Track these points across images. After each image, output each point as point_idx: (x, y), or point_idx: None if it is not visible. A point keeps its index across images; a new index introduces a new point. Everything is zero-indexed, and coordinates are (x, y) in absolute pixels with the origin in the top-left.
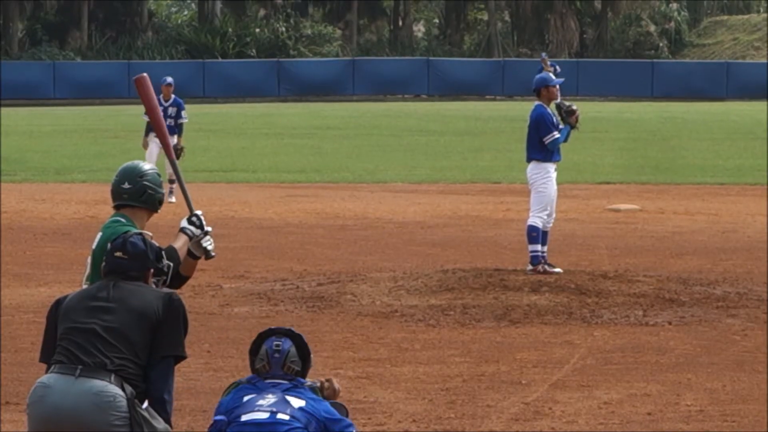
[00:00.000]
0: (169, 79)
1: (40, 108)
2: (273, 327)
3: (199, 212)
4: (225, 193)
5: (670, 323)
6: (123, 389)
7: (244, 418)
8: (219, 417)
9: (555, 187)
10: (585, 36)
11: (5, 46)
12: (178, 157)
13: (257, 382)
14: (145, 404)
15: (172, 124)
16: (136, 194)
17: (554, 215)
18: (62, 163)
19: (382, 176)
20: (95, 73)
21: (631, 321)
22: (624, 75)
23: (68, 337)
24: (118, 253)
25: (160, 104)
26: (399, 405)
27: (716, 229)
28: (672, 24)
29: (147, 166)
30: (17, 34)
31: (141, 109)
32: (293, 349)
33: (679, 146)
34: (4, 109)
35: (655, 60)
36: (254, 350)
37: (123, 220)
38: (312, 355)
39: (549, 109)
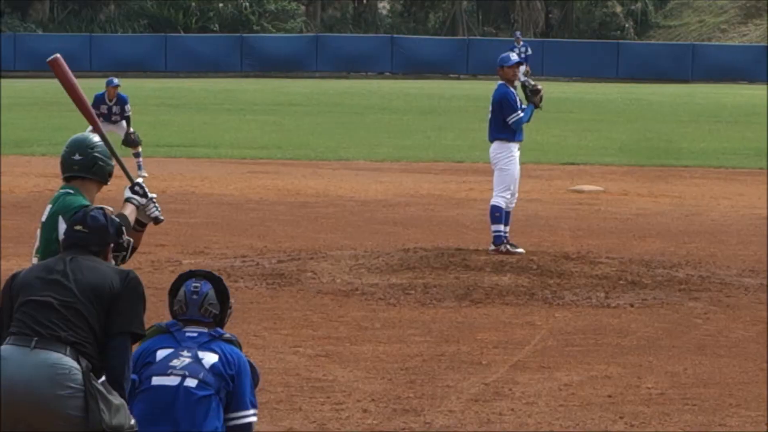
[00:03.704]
0: (116, 81)
1: (1, 80)
2: (193, 269)
3: (139, 180)
4: (186, 168)
5: (632, 305)
6: (78, 362)
7: (155, 381)
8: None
9: (518, 167)
10: (551, 16)
11: None
12: (137, 144)
13: (176, 331)
14: (102, 378)
15: (118, 120)
16: (86, 166)
17: (517, 195)
18: (21, 136)
19: (345, 154)
20: (57, 46)
21: (593, 303)
22: (589, 56)
23: (24, 310)
24: (78, 227)
25: (105, 103)
26: (358, 384)
27: (680, 211)
28: (638, 5)
29: (96, 138)
30: None
31: (102, 83)
32: (212, 293)
33: (643, 128)
34: None
35: (620, 41)
36: (173, 291)
37: (72, 191)
38: (232, 300)
39: (512, 89)
